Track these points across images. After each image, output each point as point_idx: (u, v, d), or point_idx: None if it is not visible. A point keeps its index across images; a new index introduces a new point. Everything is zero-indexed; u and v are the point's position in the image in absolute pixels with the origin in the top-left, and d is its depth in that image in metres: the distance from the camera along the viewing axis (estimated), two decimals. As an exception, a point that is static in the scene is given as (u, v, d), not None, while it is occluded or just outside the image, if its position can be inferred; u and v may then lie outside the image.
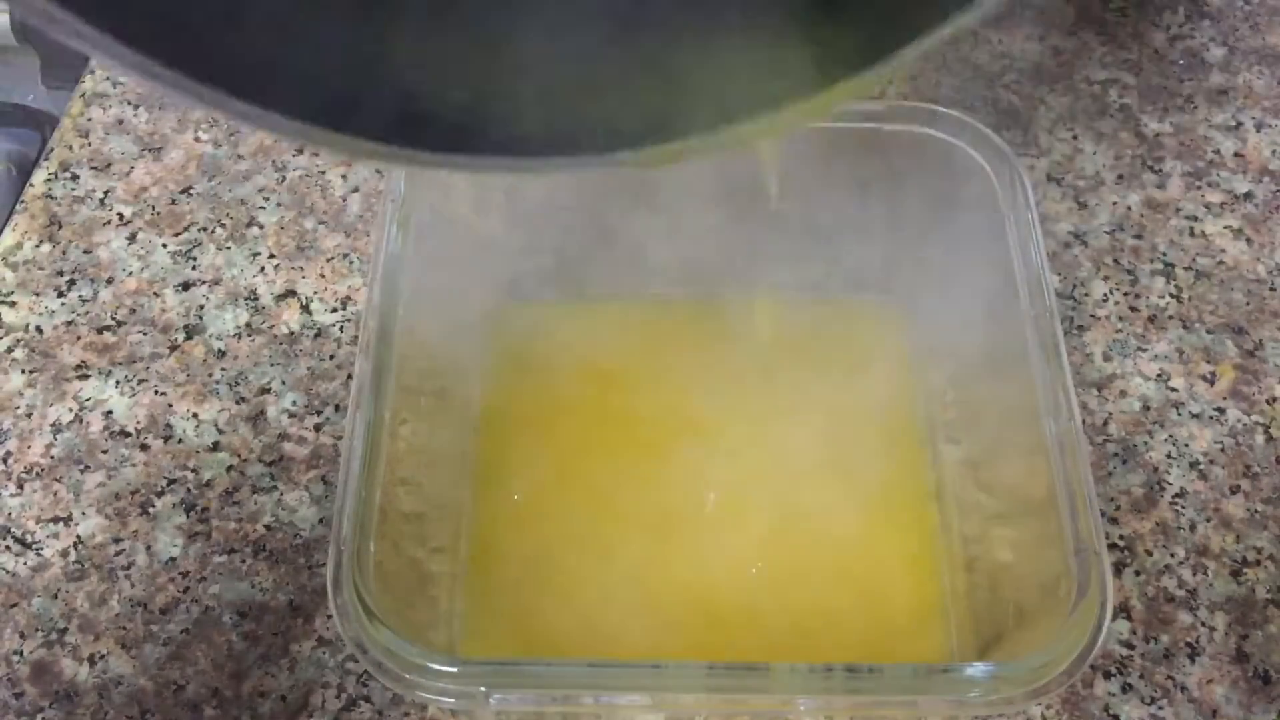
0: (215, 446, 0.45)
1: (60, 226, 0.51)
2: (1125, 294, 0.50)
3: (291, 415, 0.46)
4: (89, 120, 0.55)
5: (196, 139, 0.54)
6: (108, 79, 0.56)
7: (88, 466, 0.45)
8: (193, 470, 0.45)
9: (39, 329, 0.48)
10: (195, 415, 0.46)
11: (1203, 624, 0.42)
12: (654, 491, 0.44)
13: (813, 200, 0.45)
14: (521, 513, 0.44)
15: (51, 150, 0.54)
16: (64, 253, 0.51)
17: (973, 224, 0.42)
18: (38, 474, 0.45)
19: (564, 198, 0.46)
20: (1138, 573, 0.43)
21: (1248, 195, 0.53)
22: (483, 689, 0.32)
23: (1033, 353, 0.37)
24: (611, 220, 0.46)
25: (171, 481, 0.45)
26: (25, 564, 0.43)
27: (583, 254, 0.48)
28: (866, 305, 0.48)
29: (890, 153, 0.43)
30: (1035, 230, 0.39)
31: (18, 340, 0.48)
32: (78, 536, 0.43)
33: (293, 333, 0.48)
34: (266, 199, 0.52)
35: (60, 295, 0.49)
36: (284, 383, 0.47)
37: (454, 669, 0.32)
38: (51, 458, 0.45)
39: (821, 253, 0.47)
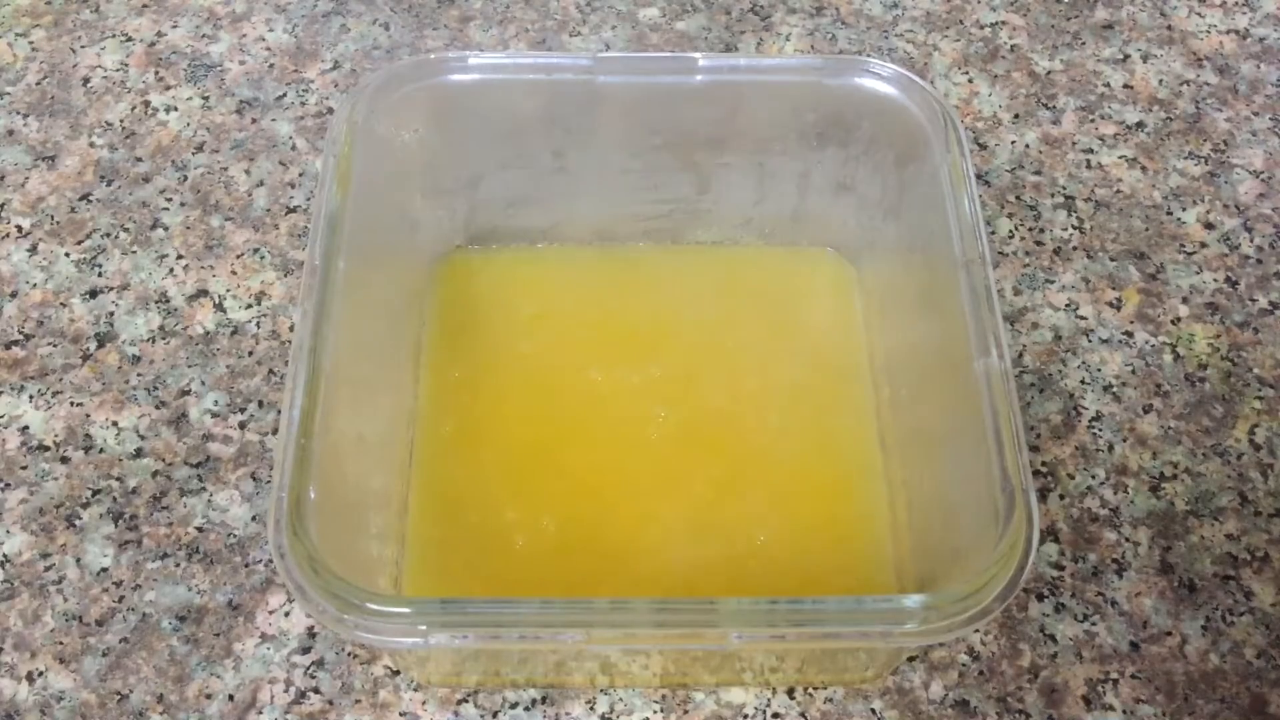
0: (138, 453, 0.45)
1: (-43, 244, 0.50)
2: (1030, 229, 0.51)
3: (214, 415, 0.46)
4: (-23, 133, 0.54)
5: (91, 144, 0.53)
6: (-7, 90, 0.55)
7: (8, 484, 0.44)
8: (117, 479, 0.44)
9: (-56, 349, 0.47)
10: (115, 423, 0.45)
11: (1127, 540, 0.43)
12: (601, 435, 0.45)
13: (757, 153, 0.45)
14: (464, 457, 0.44)
15: (-60, 167, 0.53)
16: (-37, 270, 0.49)
17: (910, 173, 0.43)
18: (-44, 496, 0.44)
19: (509, 148, 0.45)
20: (1062, 496, 0.44)
21: (1139, 125, 0.55)
22: (422, 627, 0.32)
23: (965, 297, 0.37)
24: (561, 166, 0.46)
25: (96, 492, 0.44)
26: (-49, 588, 0.42)
27: (533, 201, 0.48)
28: (817, 255, 0.49)
29: (828, 105, 0.43)
30: (969, 178, 0.40)
31: (-78, 363, 0.47)
32: (4, 555, 0.43)
33: (208, 332, 0.48)
34: (169, 200, 0.51)
35: (-37, 313, 0.48)
36: (204, 383, 0.46)
37: (394, 609, 0.32)
38: (-31, 479, 0.44)
39: (766, 204, 0.48)
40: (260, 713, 0.40)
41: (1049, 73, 0.56)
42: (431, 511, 0.43)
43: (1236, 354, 0.48)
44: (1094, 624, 0.42)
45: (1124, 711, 0.40)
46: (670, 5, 0.59)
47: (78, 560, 0.43)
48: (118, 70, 0.56)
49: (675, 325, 0.47)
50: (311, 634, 0.41)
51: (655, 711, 0.40)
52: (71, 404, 0.46)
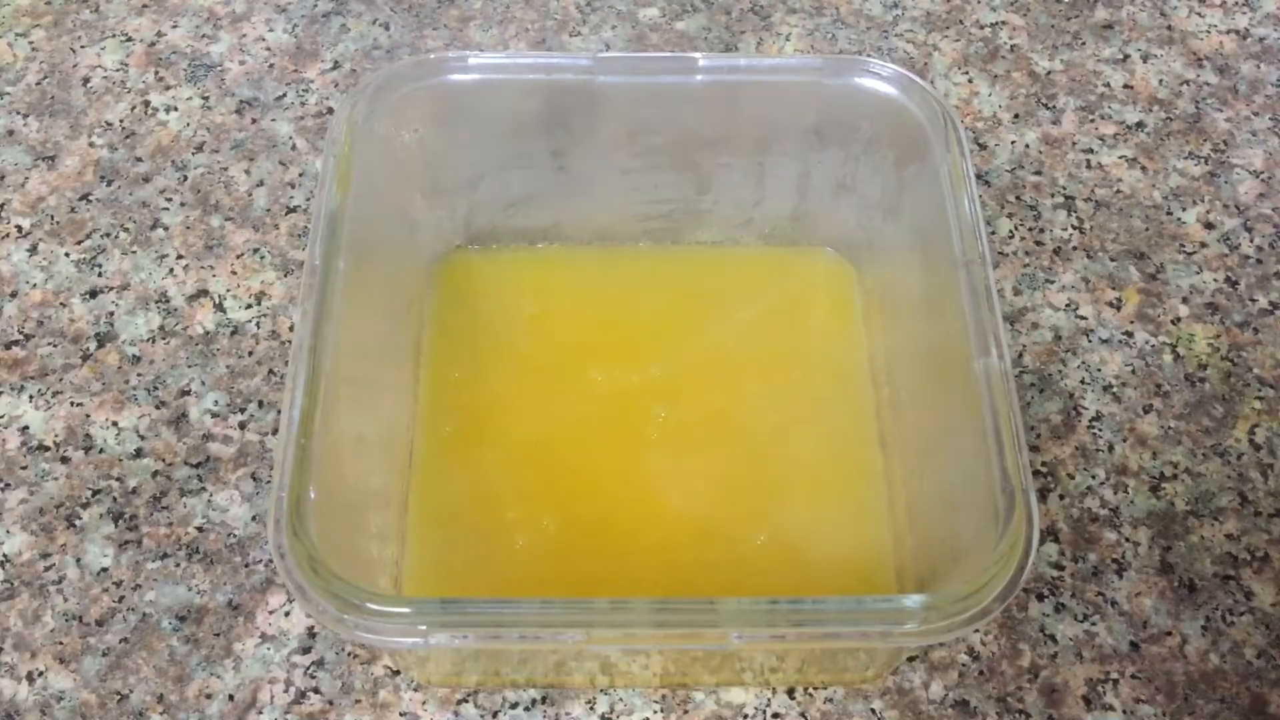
0: (138, 453, 0.45)
1: (-43, 244, 0.50)
2: (1030, 229, 0.51)
3: (214, 415, 0.46)
4: (-23, 133, 0.54)
5: (91, 144, 0.53)
6: (-7, 90, 0.55)
7: (8, 484, 0.44)
8: (117, 479, 0.44)
9: (-56, 349, 0.47)
10: (115, 423, 0.45)
11: (1127, 540, 0.43)
12: (601, 435, 0.45)
13: (757, 153, 0.45)
14: (464, 457, 0.44)
15: (-60, 167, 0.53)
16: (-37, 270, 0.49)
17: (910, 173, 0.43)
18: (-44, 496, 0.44)
19: (509, 148, 0.45)
20: (1062, 496, 0.44)
21: (1139, 125, 0.55)
22: (422, 627, 0.32)
23: (965, 297, 0.37)
24: (562, 166, 0.46)
25: (96, 492, 0.44)
26: (-49, 588, 0.42)
27: (533, 201, 0.48)
28: (817, 255, 0.49)
29: (828, 105, 0.43)
30: (969, 178, 0.40)
31: (-78, 363, 0.47)
32: (4, 555, 0.43)
33: (208, 332, 0.48)
34: (169, 199, 0.51)
35: (-37, 313, 0.48)
36: (204, 383, 0.46)
37: (394, 609, 0.32)
38: (-31, 479, 0.44)
39: (766, 204, 0.48)
40: (260, 713, 0.40)
41: (1049, 73, 0.56)
42: (431, 511, 0.43)
43: (1236, 354, 0.48)
44: (1094, 624, 0.42)
45: (1124, 711, 0.40)
46: (670, 5, 0.59)
47: (78, 560, 0.43)
48: (118, 70, 0.56)
49: (675, 325, 0.47)
50: (311, 634, 0.41)
51: (655, 711, 0.40)
52: (71, 404, 0.46)
